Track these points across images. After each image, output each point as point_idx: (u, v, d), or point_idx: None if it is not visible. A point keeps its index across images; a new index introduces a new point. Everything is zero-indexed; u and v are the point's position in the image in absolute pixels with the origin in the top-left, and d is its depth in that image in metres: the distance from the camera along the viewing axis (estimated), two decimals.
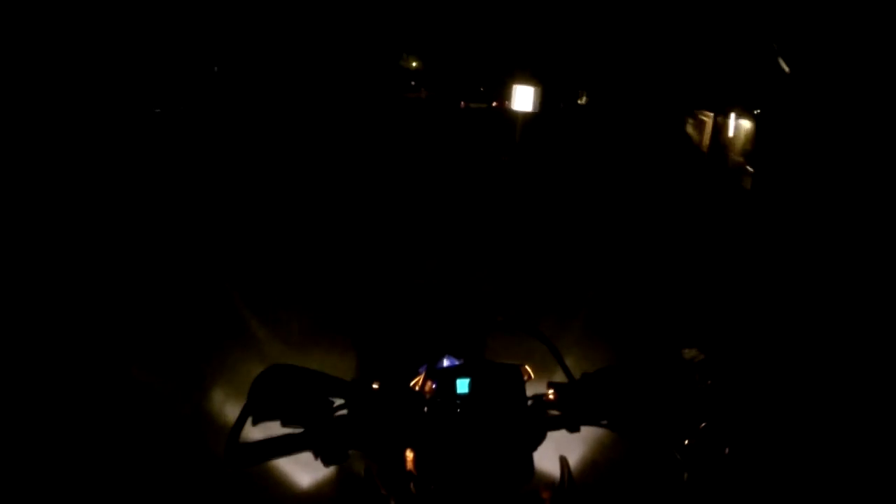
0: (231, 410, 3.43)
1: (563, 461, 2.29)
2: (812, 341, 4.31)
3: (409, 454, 2.14)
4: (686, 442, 2.00)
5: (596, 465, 3.03)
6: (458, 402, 2.07)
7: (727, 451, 1.96)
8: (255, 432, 1.95)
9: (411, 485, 2.04)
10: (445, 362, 2.67)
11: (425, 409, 2.16)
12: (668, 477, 2.08)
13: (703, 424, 2.02)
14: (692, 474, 1.96)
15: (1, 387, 4.14)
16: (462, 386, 2.11)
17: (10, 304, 4.69)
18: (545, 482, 2.20)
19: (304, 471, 3.24)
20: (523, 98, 19.13)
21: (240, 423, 1.88)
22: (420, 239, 5.84)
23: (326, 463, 1.95)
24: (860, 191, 5.07)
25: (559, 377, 2.32)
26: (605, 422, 2.21)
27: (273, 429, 1.98)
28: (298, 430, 1.96)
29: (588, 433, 2.22)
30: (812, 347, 4.25)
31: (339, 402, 2.05)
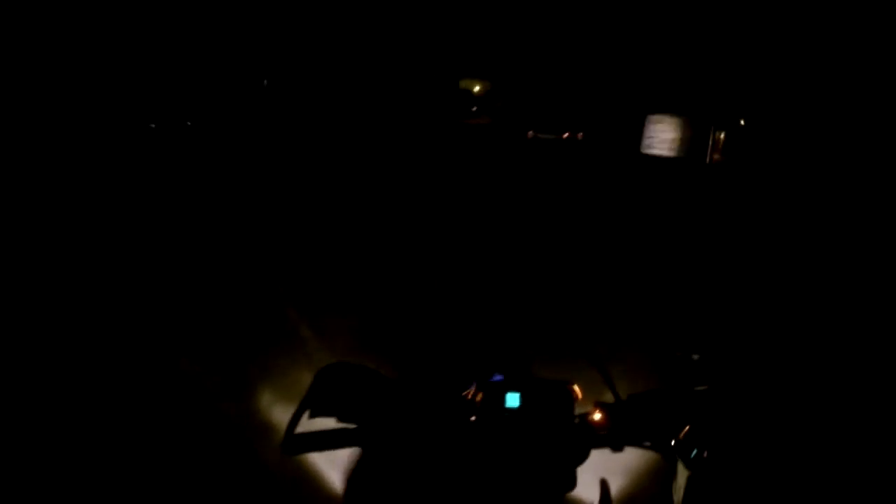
0: (277, 410, 3.54)
1: (605, 485, 2.33)
2: (821, 344, 4.22)
3: (453, 463, 2.20)
4: (704, 453, 2.03)
5: (637, 492, 3.03)
6: (506, 414, 2.13)
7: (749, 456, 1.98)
8: (311, 424, 2.05)
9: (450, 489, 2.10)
10: (496, 377, 2.73)
11: (473, 418, 2.23)
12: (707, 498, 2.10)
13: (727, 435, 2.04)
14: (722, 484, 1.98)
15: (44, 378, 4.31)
16: (511, 399, 2.17)
17: (56, 302, 4.91)
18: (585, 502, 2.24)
19: (339, 471, 3.30)
20: (660, 136, 12.50)
21: (298, 414, 1.99)
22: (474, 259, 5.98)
23: (373, 460, 2.04)
24: (856, 193, 4.96)
25: (606, 397, 2.36)
26: (648, 443, 2.24)
27: (327, 423, 2.07)
28: (352, 426, 2.06)
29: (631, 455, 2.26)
30: (822, 350, 4.15)
31: (393, 402, 2.14)
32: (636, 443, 2.19)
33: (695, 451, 2.07)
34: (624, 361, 3.80)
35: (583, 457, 2.25)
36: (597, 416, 2.31)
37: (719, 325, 4.74)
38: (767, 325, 4.68)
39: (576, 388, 2.34)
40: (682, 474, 2.06)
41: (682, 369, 2.38)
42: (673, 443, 2.10)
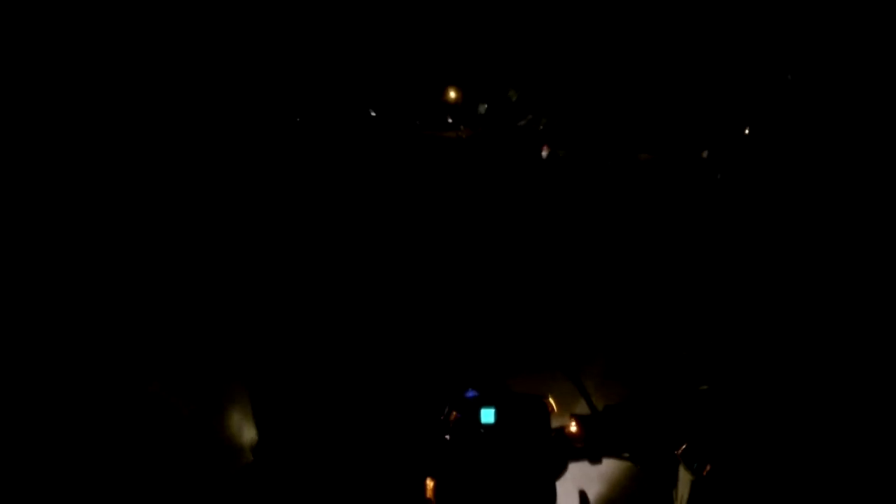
0: (240, 425, 3.46)
1: (583, 496, 2.31)
2: (823, 347, 4.26)
3: (430, 482, 2.16)
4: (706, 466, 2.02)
5: (615, 499, 3.01)
6: (482, 431, 2.10)
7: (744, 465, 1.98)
8: (287, 446, 1.98)
9: None
10: (469, 394, 2.69)
11: (448, 437, 2.19)
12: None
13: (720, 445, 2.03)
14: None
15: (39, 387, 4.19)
16: (487, 416, 2.14)
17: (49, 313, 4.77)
18: None
19: (325, 492, 3.24)
20: None
21: (271, 434, 1.93)
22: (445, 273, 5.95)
23: (350, 482, 1.99)
24: (855, 199, 5.03)
25: (581, 409, 2.34)
26: (626, 454, 2.23)
27: (304, 443, 2.01)
28: (328, 445, 2.00)
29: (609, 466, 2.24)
30: (823, 354, 4.19)
31: (363, 424, 2.09)
32: (614, 453, 2.17)
33: (697, 462, 2.06)
34: (599, 374, 3.81)
35: (561, 469, 2.23)
36: (573, 428, 2.29)
37: (720, 329, 4.78)
38: (769, 328, 4.71)
39: (551, 400, 2.31)
40: (684, 481, 2.04)
41: (686, 370, 2.37)
42: (678, 452, 2.08)
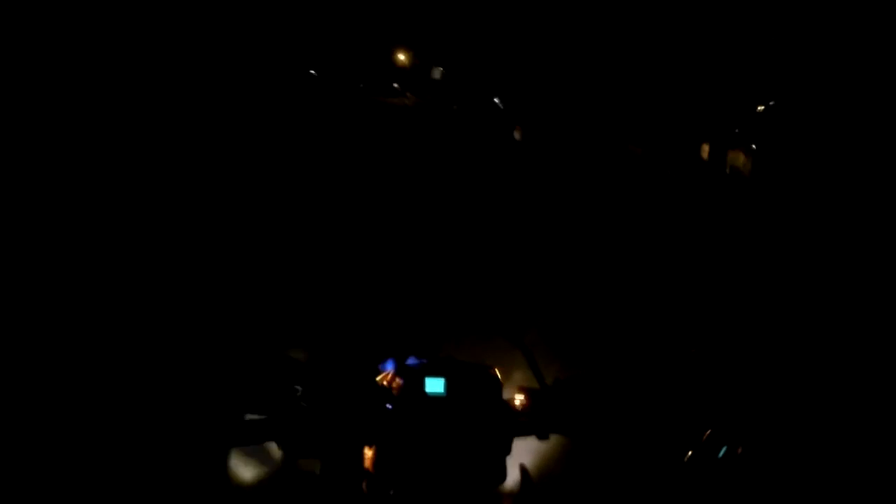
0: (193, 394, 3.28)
1: (524, 470, 2.24)
2: (808, 344, 4.35)
3: (368, 452, 2.05)
4: (689, 452, 1.97)
5: (559, 475, 2.98)
6: (429, 401, 1.99)
7: (736, 452, 1.94)
8: (220, 416, 1.84)
9: (363, 484, 1.96)
10: (410, 361, 2.57)
11: (389, 405, 2.08)
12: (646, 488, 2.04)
13: (707, 432, 1.99)
14: (695, 482, 1.93)
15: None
16: (433, 385, 2.03)
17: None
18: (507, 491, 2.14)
19: (253, 466, 3.11)
20: None
21: (206, 408, 1.78)
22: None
23: (288, 454, 1.85)
24: (859, 193, 5.17)
25: (527, 382, 2.26)
26: (573, 430, 2.16)
27: (238, 413, 1.88)
28: (261, 418, 1.86)
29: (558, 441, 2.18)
30: (809, 351, 4.28)
31: (303, 390, 1.95)
32: (562, 430, 2.10)
33: (724, 448, 2.00)
34: (545, 343, 3.75)
35: (506, 443, 2.15)
36: (520, 401, 2.20)
37: (730, 323, 4.80)
38: (776, 323, 4.75)
39: (496, 371, 2.22)
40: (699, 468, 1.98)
41: (694, 365, 2.31)
42: (699, 443, 2.02)
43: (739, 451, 1.89)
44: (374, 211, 5.97)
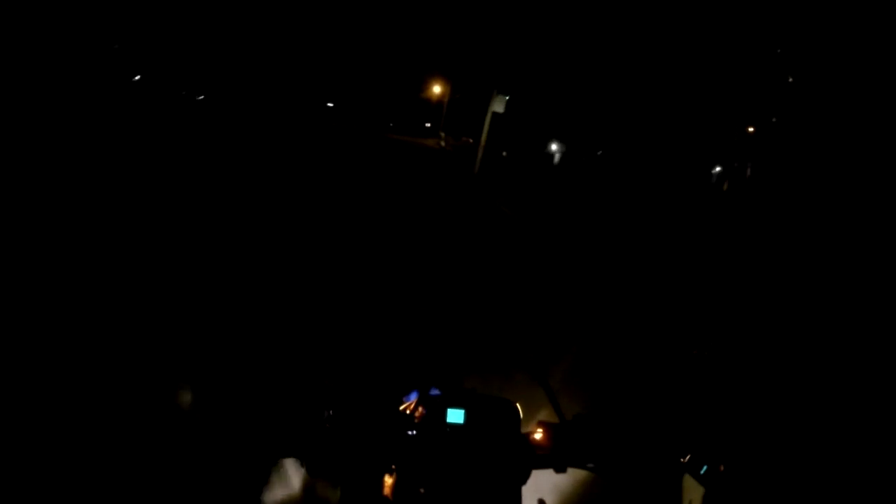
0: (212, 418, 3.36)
1: (541, 503, 2.27)
2: (811, 348, 4.31)
3: (389, 479, 2.10)
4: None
5: None
6: (449, 431, 2.05)
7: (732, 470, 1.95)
8: (242, 439, 1.91)
9: None
10: (433, 392, 2.64)
11: (411, 433, 2.14)
12: None
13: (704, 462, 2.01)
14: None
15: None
16: (454, 416, 2.09)
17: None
18: None
19: (280, 488, 3.18)
20: None
21: (232, 424, 1.86)
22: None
23: (311, 473, 1.92)
24: (858, 197, 5.14)
25: (548, 417, 2.30)
26: (591, 465, 2.19)
27: (260, 436, 1.95)
28: (285, 438, 1.94)
29: (574, 475, 2.20)
30: (811, 355, 4.23)
31: (330, 413, 2.02)
32: (580, 464, 2.14)
33: (705, 467, 2.03)
34: (566, 379, 3.77)
35: (525, 476, 2.19)
36: (539, 434, 2.25)
37: (723, 326, 4.77)
38: (772, 327, 4.71)
39: (518, 405, 2.27)
40: (691, 491, 2.00)
41: (697, 367, 2.33)
42: (683, 460, 2.05)
43: (721, 468, 1.90)
44: (408, 249, 6.09)
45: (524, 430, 2.23)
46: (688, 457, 2.07)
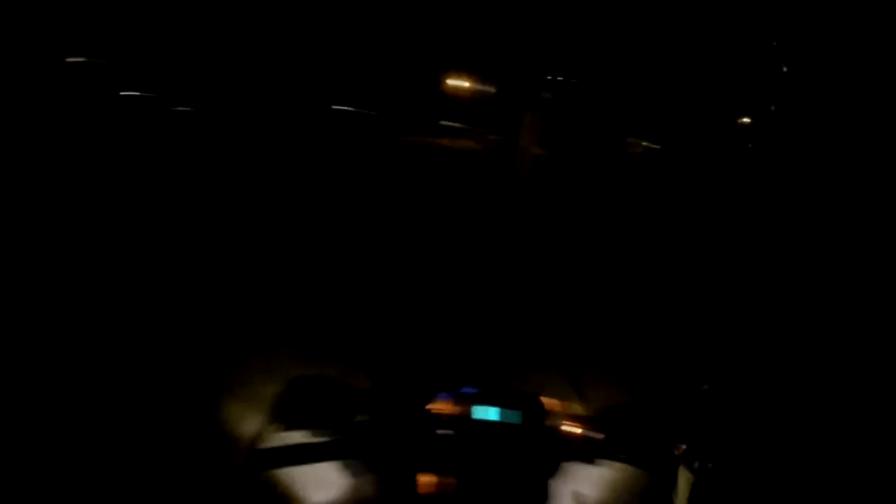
0: (249, 419, 3.40)
1: (577, 497, 2.30)
2: (822, 346, 4.27)
3: (423, 478, 2.15)
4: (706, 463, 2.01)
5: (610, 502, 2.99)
6: (479, 427, 2.09)
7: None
8: (277, 440, 1.98)
9: None
10: (465, 390, 2.68)
11: (442, 431, 2.18)
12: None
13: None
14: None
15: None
16: (482, 412, 2.13)
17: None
18: None
19: (316, 489, 3.23)
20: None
21: (264, 428, 1.92)
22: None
23: (345, 472, 1.98)
24: (857, 194, 5.06)
25: (576, 410, 2.33)
26: (623, 456, 2.22)
27: (295, 437, 2.01)
28: (321, 440, 2.00)
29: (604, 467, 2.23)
30: (823, 352, 4.19)
31: (362, 416, 2.08)
32: (610, 455, 2.17)
33: (697, 462, 2.06)
34: (599, 372, 3.79)
35: (554, 470, 2.22)
36: (568, 428, 2.28)
37: (719, 327, 4.75)
38: (767, 326, 4.69)
39: (547, 399, 2.31)
40: (684, 482, 2.03)
41: (697, 369, 2.36)
42: (677, 452, 2.08)
43: (710, 465, 1.92)
44: (442, 254, 6.11)
45: (552, 423, 2.26)
46: (682, 447, 2.09)
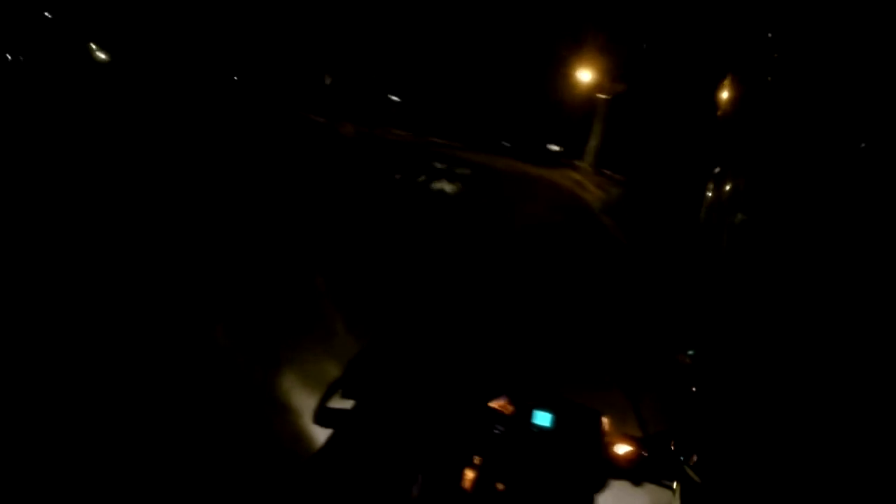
0: (299, 394, 3.49)
1: None
2: (817, 345, 4.13)
3: (470, 473, 2.24)
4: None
5: None
6: (535, 431, 2.17)
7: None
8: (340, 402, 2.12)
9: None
10: (527, 395, 2.75)
11: (499, 429, 2.26)
12: None
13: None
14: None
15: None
16: (541, 418, 2.20)
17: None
18: None
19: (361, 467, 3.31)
20: None
21: (330, 390, 2.07)
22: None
23: (395, 455, 2.10)
24: (852, 194, 4.84)
25: (632, 431, 2.38)
26: (667, 484, 2.25)
27: (355, 405, 2.14)
28: (378, 417, 2.12)
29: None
30: (817, 352, 4.06)
31: (423, 402, 2.19)
32: (656, 480, 2.21)
33: (684, 456, 2.09)
34: (656, 397, 3.78)
35: (600, 486, 2.28)
36: (622, 449, 2.32)
37: (714, 327, 4.66)
38: (761, 325, 4.57)
39: (605, 418, 2.36)
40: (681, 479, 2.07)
41: (683, 372, 2.38)
42: (672, 446, 2.11)
43: (694, 459, 1.93)
44: (516, 272, 6.15)
45: (607, 440, 2.32)
46: (672, 443, 2.11)
